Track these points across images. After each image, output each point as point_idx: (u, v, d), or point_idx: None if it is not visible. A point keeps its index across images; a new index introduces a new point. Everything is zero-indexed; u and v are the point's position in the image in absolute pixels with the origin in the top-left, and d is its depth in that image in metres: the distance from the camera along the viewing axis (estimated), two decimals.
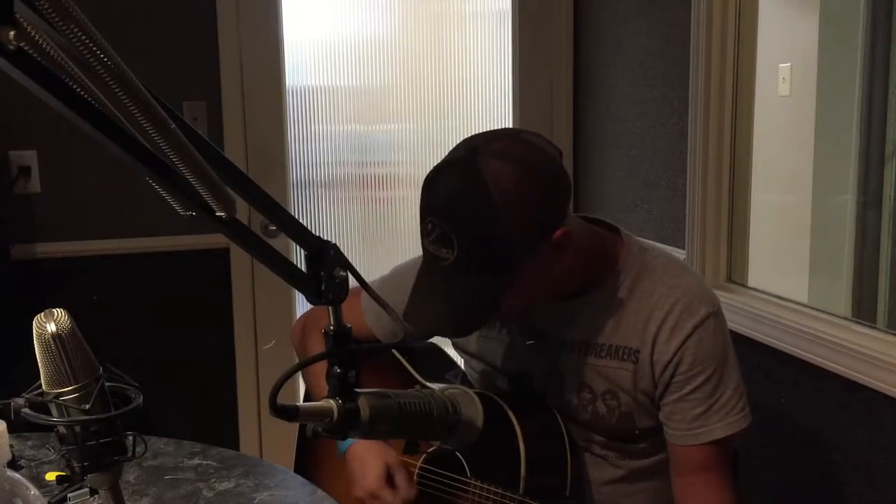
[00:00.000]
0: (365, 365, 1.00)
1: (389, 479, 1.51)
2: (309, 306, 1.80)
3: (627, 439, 1.50)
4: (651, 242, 1.54)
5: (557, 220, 1.32)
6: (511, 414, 1.44)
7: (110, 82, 0.67)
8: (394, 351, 1.65)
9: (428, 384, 1.58)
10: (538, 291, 1.40)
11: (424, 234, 1.32)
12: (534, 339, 1.51)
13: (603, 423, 1.48)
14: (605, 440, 1.51)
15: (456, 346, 1.67)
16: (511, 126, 3.06)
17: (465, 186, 1.31)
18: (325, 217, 3.03)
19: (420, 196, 1.34)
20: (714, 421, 1.41)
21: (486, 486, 1.43)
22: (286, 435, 2.90)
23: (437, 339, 1.76)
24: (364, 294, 1.57)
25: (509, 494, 1.40)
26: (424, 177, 1.36)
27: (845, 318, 1.98)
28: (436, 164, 1.38)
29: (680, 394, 1.42)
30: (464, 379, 1.70)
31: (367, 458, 1.51)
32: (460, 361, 1.74)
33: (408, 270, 1.63)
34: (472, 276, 1.30)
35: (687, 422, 1.42)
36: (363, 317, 1.62)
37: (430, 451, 1.53)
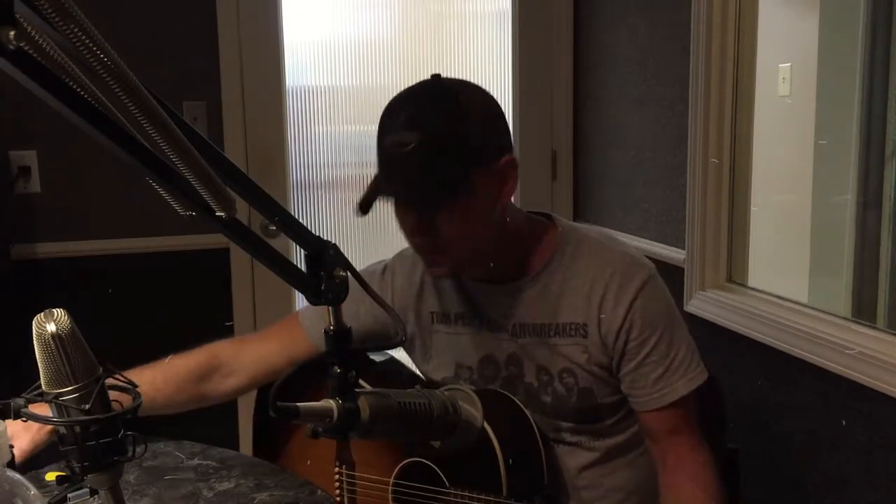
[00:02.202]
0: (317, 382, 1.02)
1: None
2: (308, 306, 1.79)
3: (593, 418, 1.52)
4: (582, 224, 1.59)
5: (507, 146, 1.42)
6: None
7: (110, 82, 0.67)
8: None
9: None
10: (477, 232, 1.42)
11: (387, 124, 1.37)
12: (489, 327, 1.54)
13: (564, 403, 1.50)
14: (573, 425, 1.53)
15: (416, 360, 1.66)
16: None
17: (433, 92, 1.40)
18: (325, 217, 3.03)
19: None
20: (675, 379, 1.45)
21: (469, 495, 1.43)
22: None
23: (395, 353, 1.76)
24: (305, 315, 1.65)
25: (493, 499, 1.40)
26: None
27: (845, 318, 1.98)
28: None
29: (637, 360, 1.46)
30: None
31: None
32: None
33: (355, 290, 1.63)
34: (436, 159, 1.34)
35: (649, 386, 1.46)
36: (306, 335, 1.63)
37: (400, 465, 1.52)
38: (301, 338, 1.63)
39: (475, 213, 1.40)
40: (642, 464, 1.56)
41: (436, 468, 1.47)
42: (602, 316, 1.45)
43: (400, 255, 1.65)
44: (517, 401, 1.50)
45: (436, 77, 1.41)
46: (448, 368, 1.59)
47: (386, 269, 1.64)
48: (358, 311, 1.57)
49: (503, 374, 1.54)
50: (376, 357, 1.72)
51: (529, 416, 1.49)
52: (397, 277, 1.62)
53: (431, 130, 1.35)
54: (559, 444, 1.54)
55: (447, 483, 1.47)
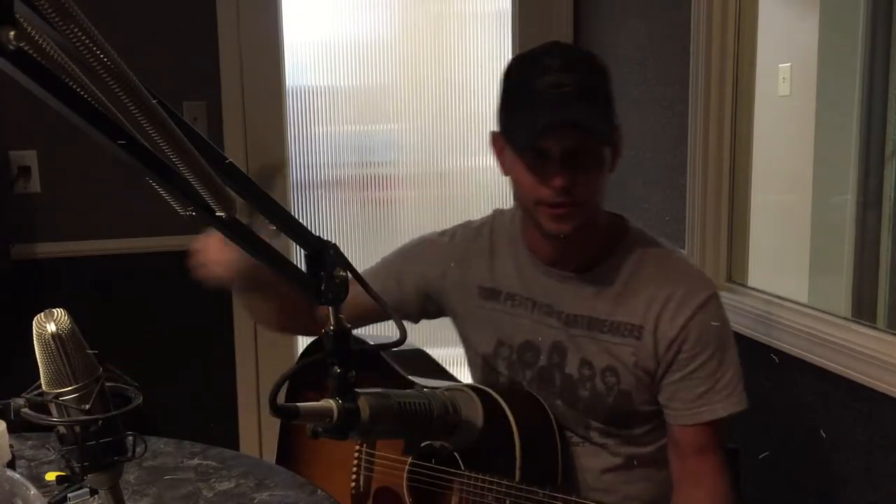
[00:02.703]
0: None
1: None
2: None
3: (624, 423, 1.52)
4: (650, 232, 1.59)
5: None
6: (504, 405, 1.45)
7: (110, 82, 0.67)
8: (383, 355, 1.67)
9: (419, 383, 1.60)
10: (601, 187, 1.46)
11: (539, 69, 1.39)
12: (540, 312, 1.54)
13: (600, 401, 1.50)
14: (603, 426, 1.53)
15: (462, 325, 1.66)
16: None
17: (585, 51, 1.52)
18: (325, 217, 3.03)
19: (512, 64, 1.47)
20: (716, 400, 1.45)
21: (482, 477, 1.44)
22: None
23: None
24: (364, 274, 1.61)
25: (506, 483, 1.41)
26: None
27: (845, 318, 1.97)
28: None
29: (683, 372, 1.45)
30: (451, 379, 1.71)
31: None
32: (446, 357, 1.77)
33: (396, 258, 1.69)
34: (605, 94, 1.43)
35: (690, 400, 1.46)
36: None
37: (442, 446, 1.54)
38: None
39: (606, 165, 1.45)
40: (661, 480, 1.55)
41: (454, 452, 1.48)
42: (659, 323, 1.45)
43: (463, 225, 1.67)
44: (540, 399, 1.52)
45: (557, 42, 1.51)
46: (489, 344, 1.60)
47: (445, 232, 1.67)
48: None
49: (542, 361, 1.54)
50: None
51: (551, 415, 1.50)
52: (456, 243, 1.64)
53: (599, 70, 1.43)
54: (585, 442, 1.55)
55: (462, 466, 1.48)
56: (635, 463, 1.55)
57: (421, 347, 1.80)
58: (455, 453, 1.47)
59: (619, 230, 1.54)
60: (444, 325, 1.76)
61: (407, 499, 1.55)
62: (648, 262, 1.50)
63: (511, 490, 1.41)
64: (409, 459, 1.55)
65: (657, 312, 1.46)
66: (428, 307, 1.67)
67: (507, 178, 1.51)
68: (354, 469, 1.62)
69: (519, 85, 1.42)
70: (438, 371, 1.76)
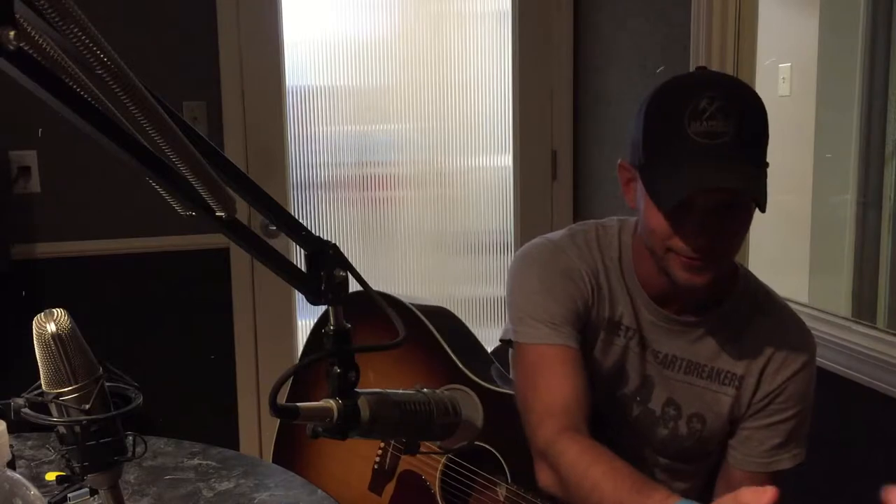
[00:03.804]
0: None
1: None
2: (308, 307, 1.77)
3: (687, 460, 1.48)
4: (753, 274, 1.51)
5: None
6: None
7: (110, 82, 0.67)
8: (436, 336, 1.60)
9: (468, 372, 1.54)
10: (737, 247, 1.35)
11: (692, 111, 1.22)
12: (636, 343, 1.43)
13: (678, 443, 1.45)
14: (669, 462, 1.48)
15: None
16: (510, 127, 3.07)
17: (742, 81, 1.35)
18: (325, 217, 3.03)
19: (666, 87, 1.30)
20: (784, 452, 1.43)
21: (526, 497, 1.40)
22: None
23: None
24: (536, 333, 1.39)
25: None
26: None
27: (845, 318, 1.98)
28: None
29: (767, 421, 1.42)
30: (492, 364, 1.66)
31: None
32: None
33: (555, 284, 1.43)
34: (763, 154, 1.27)
35: (763, 450, 1.42)
36: (565, 345, 1.39)
37: (442, 446, 1.51)
38: (572, 355, 1.39)
39: (751, 219, 1.32)
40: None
41: (501, 458, 1.43)
42: (763, 376, 1.41)
43: (578, 245, 1.45)
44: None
45: (705, 67, 1.37)
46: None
47: (574, 260, 1.44)
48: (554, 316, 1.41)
49: (624, 390, 1.45)
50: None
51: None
52: (584, 273, 1.43)
53: (761, 124, 1.27)
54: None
55: (509, 477, 1.43)
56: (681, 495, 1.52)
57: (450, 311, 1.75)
58: (501, 459, 1.43)
59: (732, 275, 1.44)
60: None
61: (437, 492, 1.53)
62: (758, 312, 1.43)
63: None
64: (446, 456, 1.52)
65: (763, 365, 1.40)
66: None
67: (635, 211, 1.37)
68: (382, 444, 1.59)
69: (667, 126, 1.25)
70: (483, 351, 1.70)
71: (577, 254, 1.43)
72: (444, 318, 1.72)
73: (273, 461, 1.71)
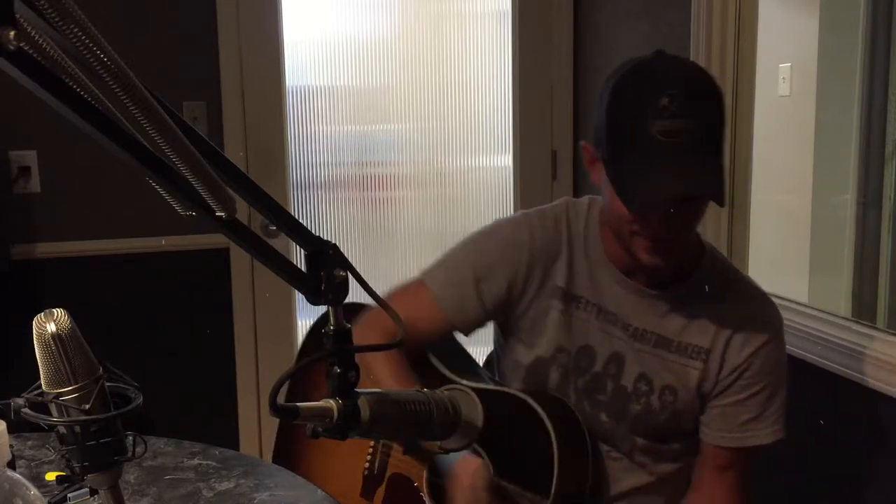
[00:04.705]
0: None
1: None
2: (308, 307, 1.78)
3: (666, 439, 1.52)
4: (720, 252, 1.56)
5: None
6: (546, 418, 1.41)
7: (110, 82, 0.67)
8: (432, 359, 1.62)
9: (459, 380, 1.56)
10: (695, 229, 1.42)
11: (654, 108, 1.27)
12: (605, 320, 1.50)
13: (652, 418, 1.49)
14: (647, 443, 1.51)
15: (518, 327, 1.56)
16: (510, 127, 3.07)
17: (698, 68, 1.39)
18: (325, 217, 3.03)
19: (621, 80, 1.36)
20: (761, 428, 1.46)
21: (511, 487, 1.42)
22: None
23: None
24: (434, 280, 1.55)
25: (538, 499, 1.39)
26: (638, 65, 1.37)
27: (845, 318, 1.98)
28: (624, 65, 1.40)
29: (737, 398, 1.45)
30: (483, 371, 1.68)
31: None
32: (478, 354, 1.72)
33: (476, 261, 1.54)
34: (721, 146, 1.33)
35: (736, 425, 1.45)
36: (437, 304, 1.53)
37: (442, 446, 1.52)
38: (428, 305, 1.53)
39: (707, 205, 1.38)
40: (679, 499, 1.56)
41: (483, 453, 1.44)
42: (728, 349, 1.44)
43: (539, 217, 1.54)
44: (577, 413, 1.49)
45: (662, 52, 1.38)
46: (549, 348, 1.52)
47: (525, 230, 1.53)
48: (463, 305, 1.53)
49: (597, 368, 1.50)
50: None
51: (586, 432, 1.47)
52: (536, 241, 1.52)
53: (718, 118, 1.33)
54: (623, 459, 1.53)
55: (491, 469, 1.45)
56: (664, 481, 1.54)
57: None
58: (486, 455, 1.45)
59: (697, 249, 1.49)
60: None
61: (425, 493, 1.54)
62: (723, 285, 1.48)
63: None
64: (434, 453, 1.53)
65: (727, 339, 1.44)
66: (501, 316, 1.57)
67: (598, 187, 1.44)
68: (370, 451, 1.60)
69: (630, 122, 1.31)
70: (471, 361, 1.72)
71: (539, 227, 1.52)
72: None
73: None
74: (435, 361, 1.61)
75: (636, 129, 1.29)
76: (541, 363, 1.53)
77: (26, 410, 0.86)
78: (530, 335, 1.54)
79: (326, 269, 0.93)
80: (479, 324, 1.57)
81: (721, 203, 1.31)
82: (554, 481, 1.39)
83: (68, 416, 0.84)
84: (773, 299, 2.14)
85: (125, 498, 0.89)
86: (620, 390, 1.49)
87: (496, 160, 3.13)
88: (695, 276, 1.47)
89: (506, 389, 1.53)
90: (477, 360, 1.72)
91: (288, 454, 1.74)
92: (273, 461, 1.76)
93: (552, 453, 1.39)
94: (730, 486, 1.48)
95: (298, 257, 0.97)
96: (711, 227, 2.29)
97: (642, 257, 1.39)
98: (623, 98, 1.33)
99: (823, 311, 2.01)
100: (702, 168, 1.30)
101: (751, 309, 1.47)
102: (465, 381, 1.55)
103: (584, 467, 1.46)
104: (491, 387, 1.54)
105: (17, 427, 1.03)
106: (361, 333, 1.48)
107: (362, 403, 0.99)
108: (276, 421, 1.59)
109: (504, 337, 1.60)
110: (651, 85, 1.30)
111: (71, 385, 0.83)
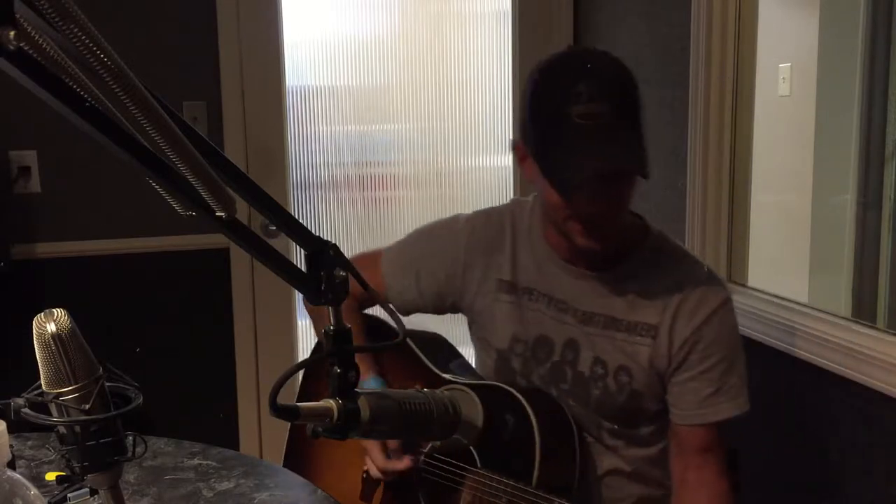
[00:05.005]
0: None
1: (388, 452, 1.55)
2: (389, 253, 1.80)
3: (633, 423, 1.53)
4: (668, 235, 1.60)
5: None
6: (528, 407, 1.45)
7: (110, 82, 0.67)
8: (413, 348, 1.66)
9: (439, 372, 1.60)
10: (627, 209, 1.46)
11: (572, 96, 1.34)
12: (556, 308, 1.54)
13: (612, 400, 1.51)
14: (614, 427, 1.54)
15: (474, 324, 1.66)
16: (510, 127, 3.07)
17: (610, 57, 1.44)
18: (325, 217, 3.03)
19: (539, 75, 1.43)
20: (722, 402, 1.47)
21: (496, 478, 1.44)
22: (286, 435, 2.91)
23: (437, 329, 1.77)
24: (388, 256, 1.67)
25: (521, 486, 1.41)
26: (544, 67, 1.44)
27: (845, 318, 1.98)
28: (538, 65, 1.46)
29: (692, 372, 1.47)
30: (468, 368, 1.70)
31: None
32: (466, 351, 1.76)
33: (417, 251, 1.68)
34: (641, 122, 1.42)
35: (697, 401, 1.47)
36: (383, 280, 1.66)
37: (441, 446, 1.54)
38: (375, 274, 1.66)
39: (636, 184, 1.44)
40: (661, 482, 1.57)
41: (471, 447, 1.47)
42: (675, 324, 1.47)
43: (483, 215, 1.65)
44: (561, 403, 1.52)
45: (574, 46, 1.46)
46: (504, 339, 1.59)
47: (467, 224, 1.64)
48: (403, 293, 1.64)
49: (556, 357, 1.55)
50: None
51: (571, 420, 1.50)
52: (476, 233, 1.62)
53: (633, 98, 1.41)
54: (597, 443, 1.55)
55: (478, 462, 1.47)
56: (640, 466, 1.55)
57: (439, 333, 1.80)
58: (472, 448, 1.47)
59: (639, 231, 1.54)
60: (454, 324, 1.76)
61: (418, 491, 1.55)
62: (668, 263, 1.51)
63: (527, 495, 1.41)
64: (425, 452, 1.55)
65: (673, 313, 1.47)
66: (443, 306, 1.66)
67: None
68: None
69: (551, 111, 1.38)
70: (457, 356, 1.76)
71: (482, 225, 1.62)
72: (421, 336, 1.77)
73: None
74: (417, 352, 1.66)
75: (557, 116, 1.35)
76: (501, 356, 1.60)
77: (26, 410, 0.86)
78: (484, 329, 1.63)
79: (326, 269, 0.93)
80: (417, 308, 1.67)
81: (644, 175, 1.38)
82: (536, 469, 1.41)
83: (68, 416, 0.84)
84: (773, 299, 2.16)
85: (125, 498, 0.89)
86: (579, 376, 1.53)
87: (496, 160, 3.13)
88: (636, 256, 1.51)
89: (487, 382, 1.58)
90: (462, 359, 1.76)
91: (301, 457, 1.74)
92: (284, 464, 1.76)
93: (535, 441, 1.42)
94: (712, 471, 1.49)
95: (298, 257, 0.97)
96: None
97: (579, 241, 1.44)
98: (542, 91, 1.41)
99: (823, 311, 2.01)
100: (621, 144, 1.36)
101: (696, 284, 1.49)
102: (442, 373, 1.60)
103: (569, 457, 1.48)
104: (473, 381, 1.57)
105: (17, 427, 1.03)
106: None
107: (362, 403, 0.99)
108: (277, 421, 1.59)
109: (471, 335, 1.69)
110: (567, 75, 1.38)
111: (71, 385, 0.83)
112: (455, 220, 1.67)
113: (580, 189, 1.37)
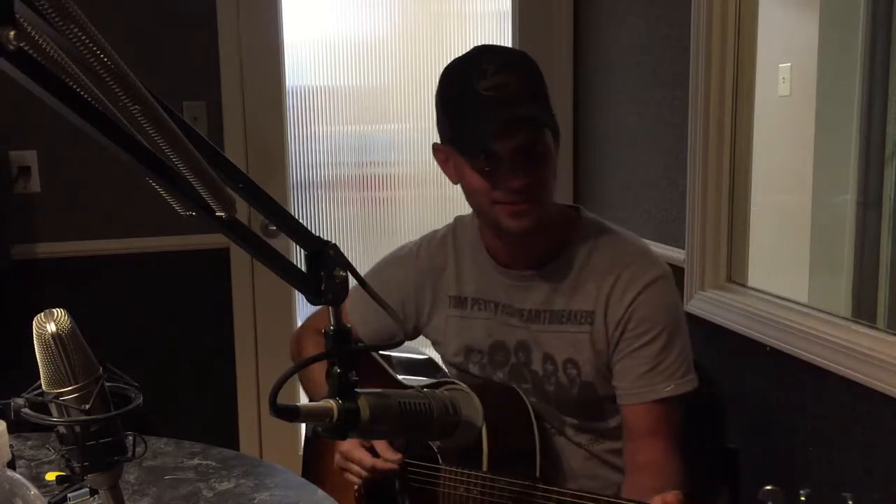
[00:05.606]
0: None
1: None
2: (309, 306, 1.81)
3: (595, 415, 1.54)
4: (607, 221, 1.61)
5: None
6: (474, 396, 1.45)
7: (110, 82, 0.67)
8: (374, 355, 1.70)
9: (404, 383, 1.62)
10: (552, 180, 1.48)
11: (477, 74, 1.39)
12: (503, 313, 1.56)
13: (566, 394, 1.52)
14: (577, 422, 1.54)
15: (433, 342, 1.69)
16: None
17: (515, 49, 1.54)
18: (325, 217, 3.03)
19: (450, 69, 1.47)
20: (658, 381, 1.46)
21: (455, 470, 1.46)
22: (286, 435, 2.91)
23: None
24: (350, 301, 1.62)
25: (474, 473, 1.43)
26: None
27: (845, 318, 1.98)
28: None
29: (627, 351, 1.47)
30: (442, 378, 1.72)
31: None
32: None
33: (383, 269, 1.72)
34: (544, 84, 1.45)
35: (632, 379, 1.47)
36: (348, 317, 1.64)
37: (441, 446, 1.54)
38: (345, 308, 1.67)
39: (554, 160, 1.46)
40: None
41: (434, 449, 1.50)
42: (609, 305, 1.48)
43: (428, 238, 1.68)
44: (523, 395, 1.53)
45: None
46: (459, 352, 1.61)
47: (412, 249, 1.68)
48: (365, 317, 1.64)
49: (512, 360, 1.56)
50: (416, 356, 1.79)
51: (529, 407, 1.51)
52: (421, 257, 1.65)
53: (534, 66, 1.45)
54: (562, 437, 1.56)
55: (439, 459, 1.49)
56: (613, 458, 1.55)
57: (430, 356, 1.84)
58: (434, 449, 1.48)
59: (572, 222, 1.55)
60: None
61: (398, 497, 1.56)
62: (600, 248, 1.52)
63: (486, 482, 1.42)
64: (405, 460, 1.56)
65: (607, 294, 1.48)
66: (408, 331, 1.67)
67: (459, 186, 1.53)
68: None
69: (459, 93, 1.42)
70: (437, 370, 1.78)
71: (426, 248, 1.65)
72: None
73: None
74: (383, 364, 1.70)
75: (465, 94, 1.40)
76: (460, 368, 1.63)
77: (26, 410, 0.86)
78: (440, 346, 1.66)
79: (326, 269, 0.93)
80: (385, 337, 1.66)
81: (554, 130, 1.43)
82: (484, 459, 1.43)
83: (68, 416, 0.84)
84: (773, 299, 2.16)
85: (125, 498, 0.89)
86: (534, 376, 1.54)
87: None
88: (571, 248, 1.52)
89: (443, 380, 1.60)
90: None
91: (317, 468, 1.74)
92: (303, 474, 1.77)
93: (482, 438, 1.42)
94: (661, 451, 1.45)
95: (298, 257, 0.97)
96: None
97: (509, 225, 1.45)
98: (450, 80, 1.46)
99: (823, 311, 2.01)
100: (528, 103, 1.40)
101: (626, 261, 1.50)
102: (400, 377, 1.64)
103: (527, 443, 1.48)
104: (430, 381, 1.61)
105: (17, 427, 1.03)
106: (302, 332, 1.78)
107: (362, 403, 0.99)
108: (277, 421, 1.60)
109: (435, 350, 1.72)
110: (469, 60, 1.44)
111: (71, 385, 0.83)
112: (401, 248, 1.71)
113: (496, 162, 1.40)
